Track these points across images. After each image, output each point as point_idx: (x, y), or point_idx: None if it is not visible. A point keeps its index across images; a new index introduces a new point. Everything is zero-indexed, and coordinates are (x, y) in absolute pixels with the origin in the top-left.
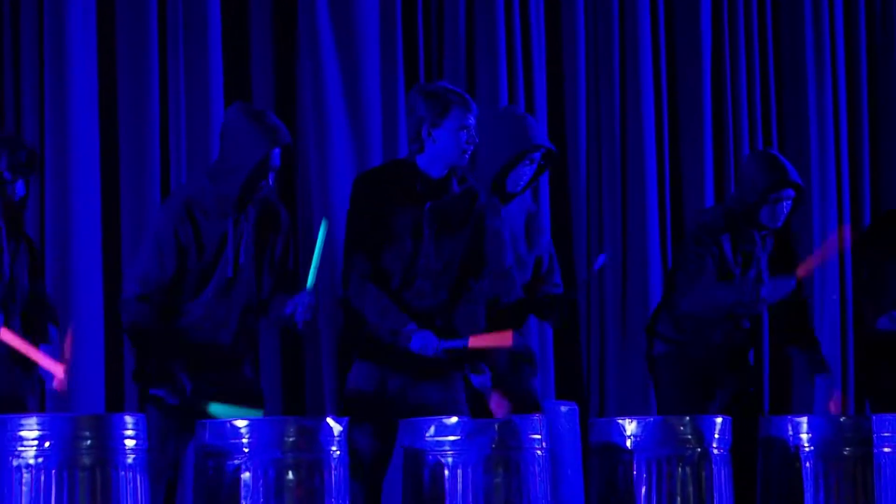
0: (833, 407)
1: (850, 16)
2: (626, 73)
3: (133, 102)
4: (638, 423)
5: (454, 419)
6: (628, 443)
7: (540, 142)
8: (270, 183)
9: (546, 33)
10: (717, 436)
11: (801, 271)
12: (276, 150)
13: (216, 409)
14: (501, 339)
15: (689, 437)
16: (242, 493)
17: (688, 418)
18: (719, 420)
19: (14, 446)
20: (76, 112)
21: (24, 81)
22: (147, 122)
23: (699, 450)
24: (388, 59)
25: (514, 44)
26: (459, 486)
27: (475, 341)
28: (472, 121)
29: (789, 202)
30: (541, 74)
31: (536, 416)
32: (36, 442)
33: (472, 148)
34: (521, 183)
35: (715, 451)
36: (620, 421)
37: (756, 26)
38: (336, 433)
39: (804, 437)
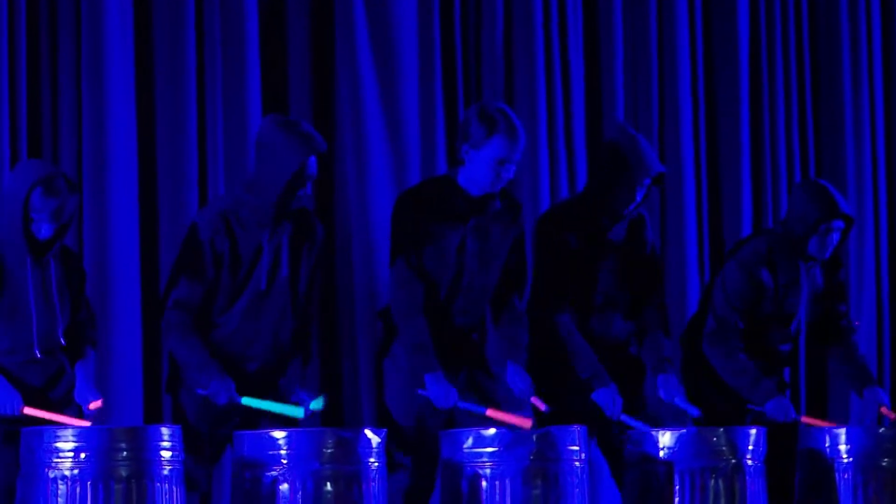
0: (888, 414)
1: (887, 38)
2: (665, 94)
3: (171, 116)
4: (672, 434)
5: (492, 430)
6: (662, 454)
7: (655, 169)
8: (308, 191)
9: (584, 50)
10: (751, 447)
11: (805, 419)
12: (313, 159)
13: (249, 401)
14: (520, 421)
15: (724, 448)
16: None
17: (722, 430)
18: (753, 431)
19: (50, 458)
20: (114, 124)
21: (63, 94)
22: (185, 136)
23: (733, 461)
24: (427, 73)
25: (553, 59)
26: (497, 497)
27: (493, 414)
28: (514, 156)
29: (838, 233)
30: (579, 92)
31: (575, 428)
32: (72, 454)
33: (504, 182)
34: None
35: (749, 463)
36: (655, 433)
37: (793, 51)
38: (374, 444)
39: (842, 448)
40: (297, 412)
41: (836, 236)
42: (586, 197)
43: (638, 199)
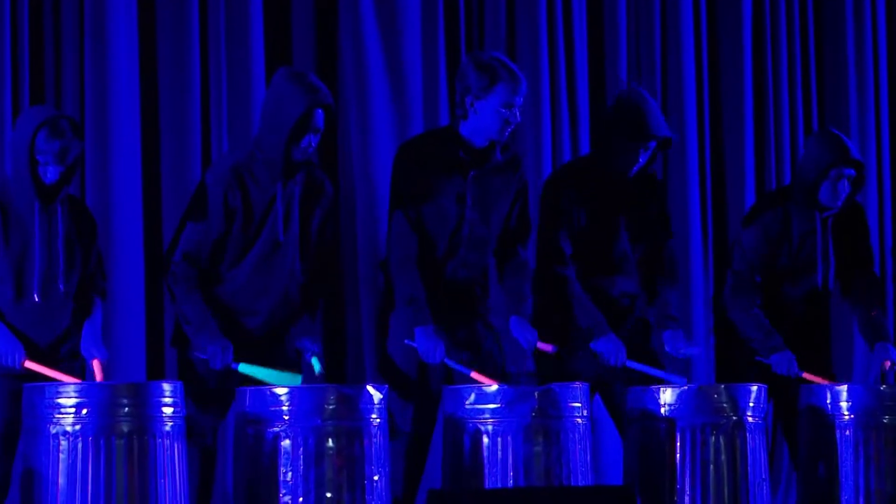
0: (889, 366)
1: None
2: (668, 49)
3: (174, 69)
4: (673, 391)
5: (494, 387)
6: (663, 411)
7: (659, 133)
8: (314, 144)
9: (587, 4)
10: (751, 404)
11: (806, 375)
12: (319, 112)
13: (245, 368)
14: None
15: (724, 405)
16: (282, 461)
17: (723, 386)
18: (754, 388)
19: (52, 413)
20: (116, 80)
21: (65, 50)
22: (188, 90)
23: (734, 418)
24: (429, 26)
25: (556, 13)
26: (499, 454)
27: (476, 375)
28: (518, 100)
29: (848, 182)
30: (582, 46)
31: (577, 385)
32: (73, 409)
33: (513, 126)
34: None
35: (749, 420)
36: (655, 389)
37: (797, 7)
38: (376, 401)
39: (844, 405)
40: (293, 380)
41: (846, 184)
42: (593, 157)
43: (642, 161)
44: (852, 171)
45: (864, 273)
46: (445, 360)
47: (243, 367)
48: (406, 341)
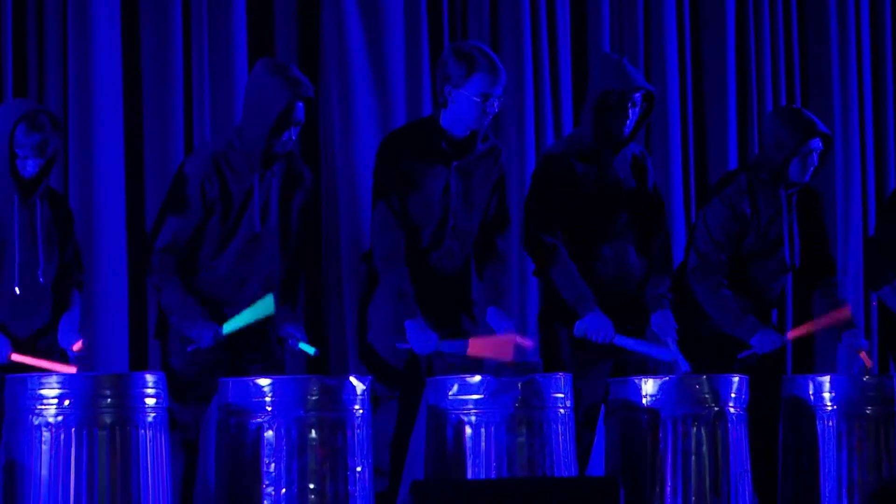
0: (865, 359)
1: None
2: (651, 34)
3: (156, 59)
4: (654, 381)
5: (478, 378)
6: (645, 402)
7: (643, 85)
8: (294, 137)
9: None
10: (733, 395)
11: (791, 334)
12: (300, 104)
13: (230, 326)
14: (502, 352)
15: (706, 395)
16: (265, 452)
17: (704, 377)
18: (736, 379)
19: (34, 405)
20: (99, 73)
21: (48, 39)
22: (170, 80)
23: (716, 409)
24: (412, 17)
25: (539, 2)
26: (482, 444)
27: (474, 349)
28: (496, 90)
29: (817, 155)
30: (565, 34)
31: (560, 375)
32: (56, 400)
33: (490, 117)
34: (629, 128)
35: (731, 410)
36: (637, 380)
37: None
38: (359, 392)
39: (826, 396)
40: (267, 306)
41: (815, 157)
42: (584, 129)
43: (632, 117)
44: (820, 144)
45: (822, 262)
46: (440, 347)
47: (227, 327)
48: (398, 345)
